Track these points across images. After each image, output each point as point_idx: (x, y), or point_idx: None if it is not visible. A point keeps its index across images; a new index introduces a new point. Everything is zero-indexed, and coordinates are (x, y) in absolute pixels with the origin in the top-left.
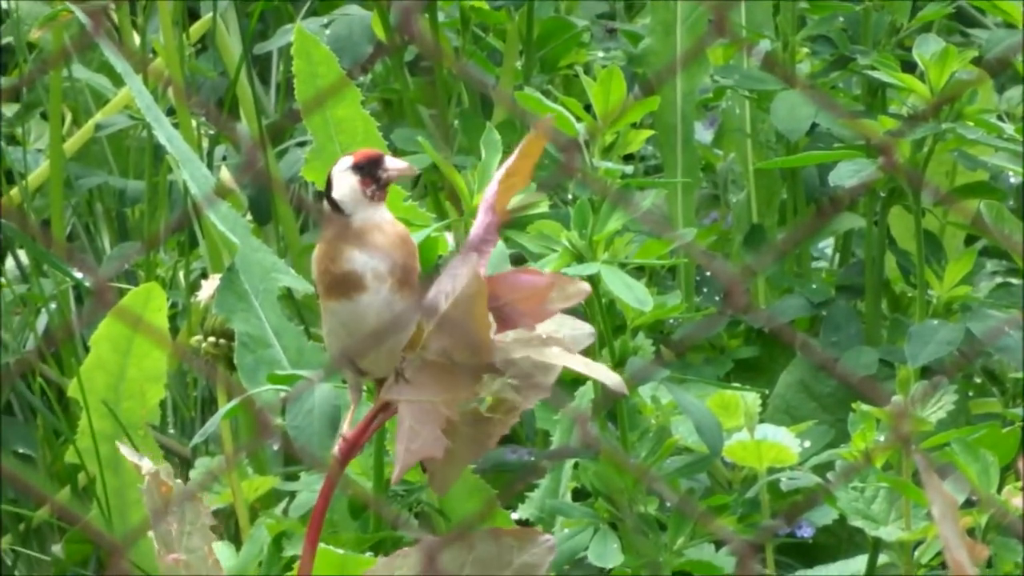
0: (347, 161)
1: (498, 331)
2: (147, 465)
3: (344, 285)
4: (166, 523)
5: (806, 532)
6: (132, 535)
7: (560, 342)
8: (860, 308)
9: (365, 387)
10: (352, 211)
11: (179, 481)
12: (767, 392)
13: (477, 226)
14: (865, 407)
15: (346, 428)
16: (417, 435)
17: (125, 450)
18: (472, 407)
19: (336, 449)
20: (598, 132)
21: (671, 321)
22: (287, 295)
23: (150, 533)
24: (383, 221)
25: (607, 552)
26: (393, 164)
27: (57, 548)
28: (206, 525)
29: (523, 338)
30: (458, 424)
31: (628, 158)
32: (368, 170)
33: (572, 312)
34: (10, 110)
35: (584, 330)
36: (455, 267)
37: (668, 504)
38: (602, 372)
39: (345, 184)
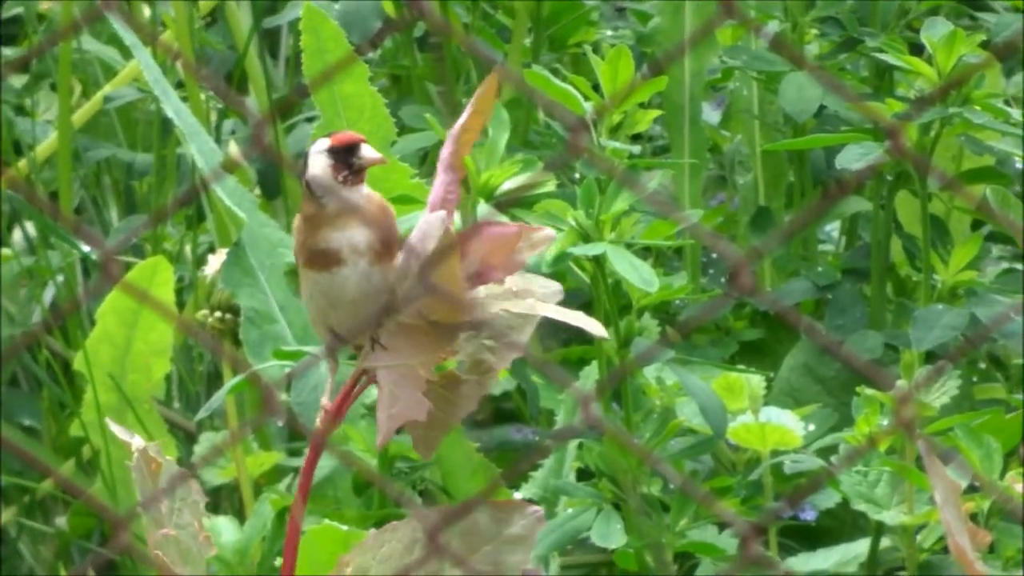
0: (324, 143)
1: (470, 287)
2: (137, 442)
3: (323, 259)
4: (156, 499)
5: (809, 515)
6: (135, 508)
7: (533, 295)
8: (865, 292)
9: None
10: (325, 193)
11: (169, 458)
12: (772, 375)
13: (438, 185)
14: (869, 391)
15: (326, 399)
16: (397, 400)
17: (115, 427)
18: (449, 370)
19: (318, 420)
20: (606, 112)
21: (677, 302)
22: (293, 270)
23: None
24: (360, 196)
25: (610, 532)
26: (367, 153)
27: (61, 521)
28: (197, 501)
29: (495, 293)
30: (437, 387)
31: (636, 138)
32: (342, 156)
33: (579, 291)
34: (19, 81)
35: (552, 288)
36: (422, 227)
37: (671, 485)
38: (580, 319)
39: (318, 166)
